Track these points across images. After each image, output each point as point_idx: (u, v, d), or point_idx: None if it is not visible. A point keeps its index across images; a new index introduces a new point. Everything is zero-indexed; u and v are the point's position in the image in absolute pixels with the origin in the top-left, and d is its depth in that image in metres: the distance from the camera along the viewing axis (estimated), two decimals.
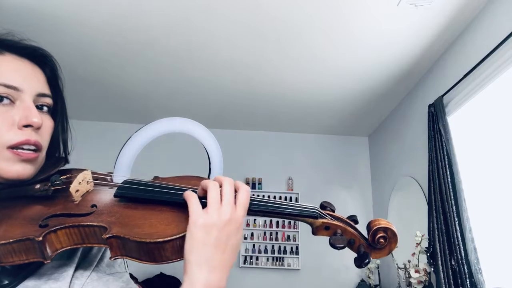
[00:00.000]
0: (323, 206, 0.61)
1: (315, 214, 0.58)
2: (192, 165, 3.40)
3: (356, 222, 0.60)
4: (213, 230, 0.51)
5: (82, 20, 2.59)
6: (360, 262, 0.57)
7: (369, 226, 0.58)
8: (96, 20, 2.59)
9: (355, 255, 0.59)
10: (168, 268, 3.71)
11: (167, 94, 3.65)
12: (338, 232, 0.58)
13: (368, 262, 0.57)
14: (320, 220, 0.58)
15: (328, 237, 0.58)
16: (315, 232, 0.59)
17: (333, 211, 0.61)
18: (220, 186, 0.55)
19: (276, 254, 3.96)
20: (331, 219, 0.59)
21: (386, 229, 0.57)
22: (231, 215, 0.53)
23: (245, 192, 0.56)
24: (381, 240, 0.57)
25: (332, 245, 0.57)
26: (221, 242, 0.52)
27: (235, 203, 0.54)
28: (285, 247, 3.99)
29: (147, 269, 3.66)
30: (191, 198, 0.54)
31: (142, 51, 2.96)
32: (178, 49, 2.93)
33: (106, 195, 0.61)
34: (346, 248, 0.59)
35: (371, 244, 0.58)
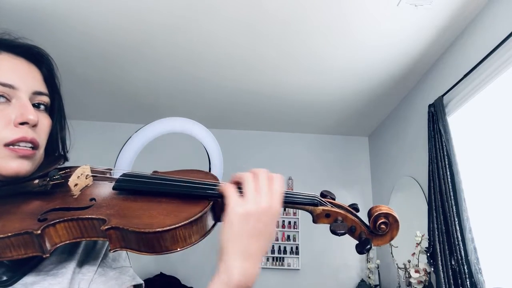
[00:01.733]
0: (323, 194, 0.62)
1: (315, 202, 0.59)
2: (192, 165, 3.38)
3: (357, 210, 0.61)
4: (251, 219, 0.52)
5: (81, 20, 2.59)
6: (361, 248, 0.57)
7: (370, 213, 0.59)
8: (96, 19, 2.59)
9: (356, 242, 0.59)
10: (168, 268, 3.71)
11: (167, 94, 3.65)
12: (338, 219, 0.58)
13: (370, 248, 0.57)
14: (321, 208, 0.59)
15: (329, 225, 0.58)
16: (315, 220, 0.60)
17: (334, 199, 0.62)
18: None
19: (276, 254, 3.96)
20: (332, 206, 0.60)
21: (387, 215, 0.57)
22: (269, 204, 0.54)
23: (280, 180, 0.57)
24: (382, 226, 0.57)
25: (333, 231, 0.57)
26: (257, 231, 0.52)
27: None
28: (285, 247, 3.99)
29: (147, 269, 3.66)
30: (229, 188, 0.55)
31: (142, 50, 2.96)
32: (178, 49, 2.93)
33: (105, 189, 0.61)
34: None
35: (373, 230, 0.58)
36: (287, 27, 2.64)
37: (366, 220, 0.60)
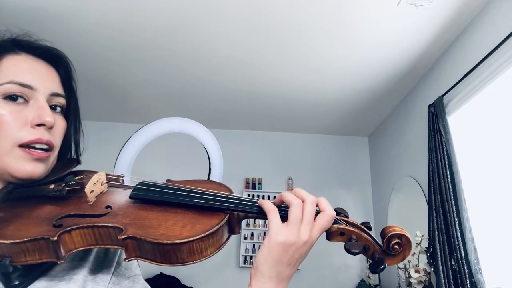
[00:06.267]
0: (337, 212, 0.62)
1: None
2: (193, 165, 3.40)
3: (370, 228, 0.61)
4: (291, 249, 0.53)
5: (82, 20, 2.59)
6: (375, 268, 0.57)
7: (383, 233, 0.59)
8: (96, 19, 2.59)
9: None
10: (168, 268, 3.71)
11: (167, 93, 3.65)
12: (353, 237, 0.59)
13: (383, 268, 0.57)
14: (335, 226, 0.59)
15: (343, 243, 0.59)
16: (329, 237, 0.60)
17: (347, 217, 0.62)
18: (303, 202, 0.56)
19: None
20: (346, 224, 0.60)
21: (400, 236, 0.58)
22: (311, 237, 0.54)
23: (328, 217, 0.56)
24: (396, 246, 0.58)
25: (348, 250, 0.57)
26: (294, 260, 0.54)
27: (314, 222, 0.55)
28: None
29: (147, 269, 3.65)
30: (272, 212, 0.55)
31: (142, 50, 2.96)
32: (178, 49, 2.93)
33: (120, 197, 0.61)
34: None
35: (386, 250, 0.58)
36: (287, 27, 2.64)
37: (376, 237, 0.60)
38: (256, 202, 0.58)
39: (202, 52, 2.97)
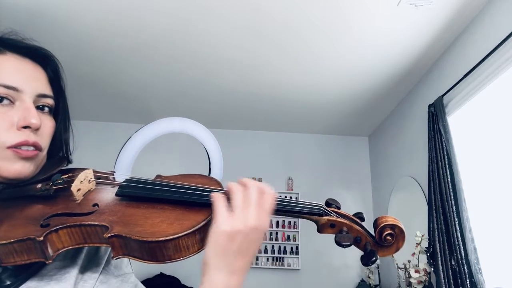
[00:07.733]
0: (328, 203, 0.61)
1: (320, 211, 0.58)
2: (192, 165, 3.40)
3: (362, 219, 0.60)
4: (238, 237, 0.51)
5: (81, 20, 2.59)
6: (367, 260, 0.56)
7: (375, 223, 0.57)
8: (96, 20, 2.59)
9: (361, 253, 0.58)
10: (168, 268, 3.71)
11: (167, 94, 3.65)
12: (344, 229, 0.57)
13: (375, 260, 0.55)
14: (325, 218, 0.57)
15: (334, 235, 0.57)
16: (320, 229, 0.59)
17: (339, 208, 0.60)
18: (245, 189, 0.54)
19: (276, 254, 3.96)
20: (337, 216, 0.58)
21: (393, 226, 0.56)
22: (257, 222, 0.52)
23: (271, 197, 0.55)
24: (388, 237, 0.56)
25: (338, 243, 0.56)
26: (243, 249, 0.51)
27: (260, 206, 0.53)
28: (285, 247, 3.99)
29: (147, 269, 3.66)
30: (218, 201, 0.53)
31: (142, 51, 2.96)
32: (178, 49, 2.93)
33: (108, 194, 0.60)
34: (347, 248, 0.58)
35: (378, 241, 0.57)
36: (287, 28, 2.64)
37: (370, 229, 0.59)
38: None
39: (202, 54, 2.96)
